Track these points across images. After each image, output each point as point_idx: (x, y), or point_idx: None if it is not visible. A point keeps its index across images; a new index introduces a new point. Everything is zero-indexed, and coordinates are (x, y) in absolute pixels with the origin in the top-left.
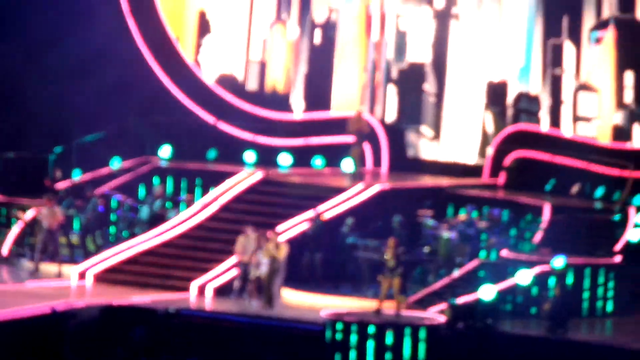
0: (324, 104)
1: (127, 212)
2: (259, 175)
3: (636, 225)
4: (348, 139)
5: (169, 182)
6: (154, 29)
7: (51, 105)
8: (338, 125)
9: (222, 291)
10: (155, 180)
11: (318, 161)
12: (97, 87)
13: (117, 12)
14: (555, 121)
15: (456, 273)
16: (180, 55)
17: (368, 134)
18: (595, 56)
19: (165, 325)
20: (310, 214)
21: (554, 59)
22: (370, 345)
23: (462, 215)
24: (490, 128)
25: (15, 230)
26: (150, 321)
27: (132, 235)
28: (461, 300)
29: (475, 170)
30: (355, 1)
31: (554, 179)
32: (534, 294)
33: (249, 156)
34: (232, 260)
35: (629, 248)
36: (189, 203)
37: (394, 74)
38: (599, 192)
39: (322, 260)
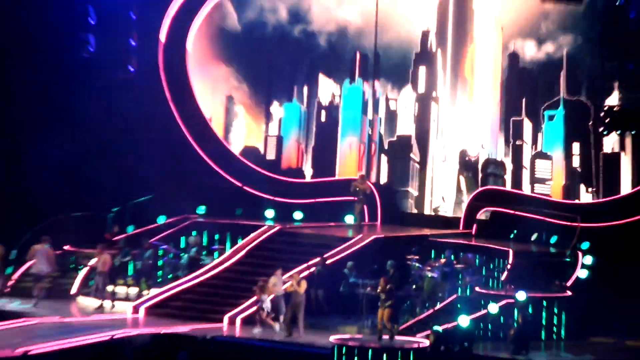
0: (330, 170)
1: (171, 259)
2: (276, 228)
3: (583, 266)
4: (349, 197)
5: (205, 234)
6: (190, 110)
7: (108, 173)
8: (341, 187)
9: (248, 321)
10: (193, 232)
11: (298, 215)
12: (145, 156)
13: (161, 95)
14: (517, 182)
15: (438, 306)
16: (212, 131)
17: (368, 194)
18: (549, 130)
19: (203, 350)
20: (317, 259)
21: (515, 132)
22: None
23: (442, 259)
24: (464, 188)
25: (81, 273)
26: (191, 346)
27: (175, 277)
28: (442, 327)
29: (452, 222)
30: (353, 87)
31: (517, 229)
32: (502, 322)
33: (269, 213)
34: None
35: (578, 283)
36: (221, 251)
37: (386, 145)
38: (553, 239)
39: (325, 295)
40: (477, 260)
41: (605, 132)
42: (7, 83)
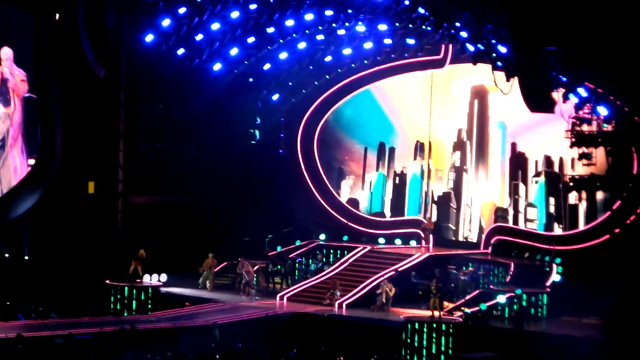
0: (401, 212)
1: (303, 267)
2: (368, 248)
3: (557, 272)
4: (413, 229)
5: (325, 252)
6: (316, 174)
7: (265, 212)
8: (408, 223)
9: (351, 305)
10: (317, 250)
11: (381, 240)
12: (288, 202)
13: (298, 166)
14: (515, 221)
15: (467, 297)
16: (329, 188)
17: (430, 229)
18: (535, 189)
19: (323, 324)
20: (392, 268)
21: (514, 190)
22: (424, 332)
23: (470, 268)
24: (483, 224)
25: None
26: (315, 322)
27: (306, 278)
28: (470, 310)
29: (476, 245)
30: (416, 163)
31: (515, 250)
32: (507, 307)
33: (364, 239)
34: (356, 290)
35: (554, 284)
36: (334, 263)
37: (436, 197)
38: (538, 256)
39: (399, 291)
40: (491, 269)
41: (568, 191)
42: (193, 155)
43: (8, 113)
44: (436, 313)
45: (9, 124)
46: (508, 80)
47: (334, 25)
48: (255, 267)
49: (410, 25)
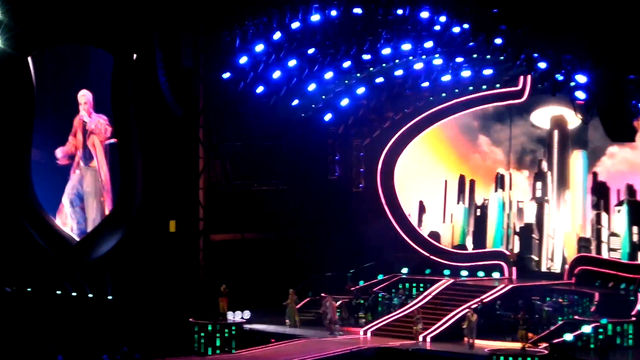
0: (483, 244)
1: (386, 300)
2: (451, 280)
3: None
4: (495, 261)
5: (407, 285)
6: (400, 212)
7: (346, 247)
8: (490, 255)
9: (435, 338)
10: (400, 284)
11: (464, 272)
12: (370, 238)
13: (378, 200)
14: (598, 251)
15: (552, 328)
16: (411, 224)
17: (514, 261)
18: (618, 219)
19: (409, 357)
20: (476, 300)
21: (597, 220)
22: None
23: (554, 299)
24: (566, 254)
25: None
26: (399, 356)
27: (389, 312)
28: (555, 341)
29: (559, 276)
30: (497, 194)
31: (599, 280)
32: (592, 337)
33: (446, 271)
34: (440, 323)
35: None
36: (417, 296)
37: (517, 229)
38: (623, 285)
39: (482, 322)
40: (575, 299)
41: None
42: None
43: (94, 168)
44: (523, 344)
45: (98, 179)
46: (588, 110)
47: (411, 58)
48: (339, 302)
49: (488, 57)
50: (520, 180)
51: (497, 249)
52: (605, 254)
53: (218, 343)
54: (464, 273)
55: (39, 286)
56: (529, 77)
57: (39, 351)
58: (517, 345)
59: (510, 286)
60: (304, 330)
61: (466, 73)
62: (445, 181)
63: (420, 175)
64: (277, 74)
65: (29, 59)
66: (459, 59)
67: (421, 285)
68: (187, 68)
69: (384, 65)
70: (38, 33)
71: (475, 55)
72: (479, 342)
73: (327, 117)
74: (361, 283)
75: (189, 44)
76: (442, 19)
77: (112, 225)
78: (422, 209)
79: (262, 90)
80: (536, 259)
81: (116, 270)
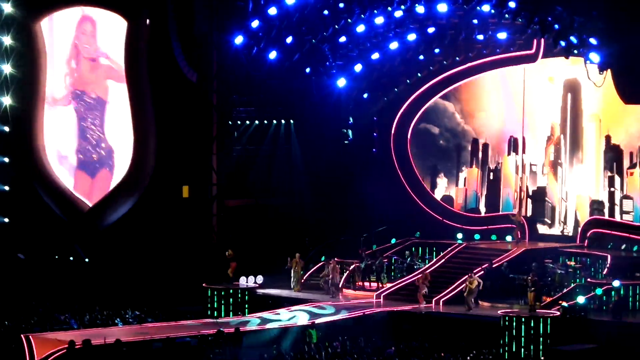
0: (496, 208)
1: (399, 265)
2: (464, 244)
3: None
4: (508, 224)
5: (420, 250)
6: (410, 173)
7: (361, 212)
8: (503, 219)
9: (448, 301)
10: (413, 248)
11: (476, 236)
12: (384, 201)
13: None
14: (611, 214)
15: (564, 290)
16: (424, 186)
17: (521, 223)
18: (631, 182)
19: (421, 320)
20: (486, 264)
21: (609, 183)
22: (522, 327)
23: (568, 262)
24: (579, 217)
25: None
26: (412, 319)
27: (402, 276)
28: (568, 303)
29: (572, 239)
30: (510, 157)
31: (612, 242)
32: (604, 299)
33: (460, 235)
34: (452, 287)
35: None
36: (430, 260)
37: (530, 192)
38: (635, 247)
39: (491, 285)
40: (588, 261)
41: None
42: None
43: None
44: (532, 307)
45: None
46: (601, 72)
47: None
48: (352, 267)
49: (502, 20)
50: (533, 144)
51: (509, 212)
52: (618, 217)
53: (231, 308)
54: (477, 236)
55: (52, 253)
56: (542, 41)
57: (52, 317)
58: (528, 307)
59: (522, 249)
60: (315, 295)
61: (480, 37)
62: (459, 144)
63: (434, 139)
64: (289, 39)
65: (40, 24)
66: (474, 21)
67: (434, 249)
68: (201, 33)
69: (397, 29)
70: None
71: (489, 20)
72: (484, 304)
73: (341, 81)
74: (374, 247)
75: (203, 9)
76: None
77: (125, 191)
78: (434, 172)
79: (275, 55)
80: (549, 222)
81: (130, 236)
